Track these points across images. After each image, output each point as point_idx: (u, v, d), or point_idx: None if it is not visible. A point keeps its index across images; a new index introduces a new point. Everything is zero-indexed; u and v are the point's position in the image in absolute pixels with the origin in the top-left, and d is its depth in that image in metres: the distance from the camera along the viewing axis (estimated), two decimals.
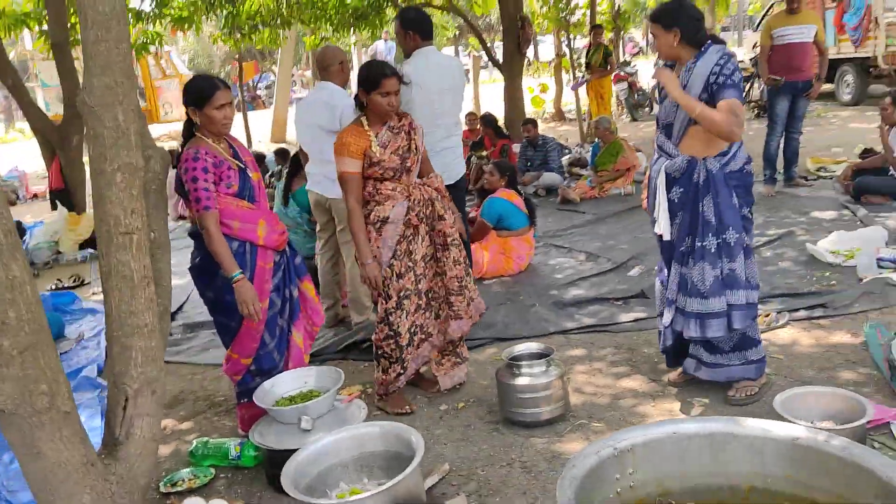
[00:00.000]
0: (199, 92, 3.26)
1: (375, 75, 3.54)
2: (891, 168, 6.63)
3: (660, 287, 3.64)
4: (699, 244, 3.31)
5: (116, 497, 2.75)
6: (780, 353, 3.90)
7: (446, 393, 3.92)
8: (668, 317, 3.51)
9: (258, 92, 31.46)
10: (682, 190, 3.35)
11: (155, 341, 2.87)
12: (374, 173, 3.60)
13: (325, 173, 4.62)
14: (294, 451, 2.93)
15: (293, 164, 5.96)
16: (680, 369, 3.70)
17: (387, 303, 3.69)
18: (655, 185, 3.42)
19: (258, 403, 3.30)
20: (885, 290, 4.47)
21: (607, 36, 14.18)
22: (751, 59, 15.27)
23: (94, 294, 6.87)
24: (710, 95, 3.20)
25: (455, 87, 4.57)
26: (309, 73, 26.58)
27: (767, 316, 4.26)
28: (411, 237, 3.69)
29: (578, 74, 14.21)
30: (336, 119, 4.51)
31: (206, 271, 3.40)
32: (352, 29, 11.31)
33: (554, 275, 5.71)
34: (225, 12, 10.13)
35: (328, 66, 4.80)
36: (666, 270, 3.57)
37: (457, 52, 36.24)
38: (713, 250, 3.29)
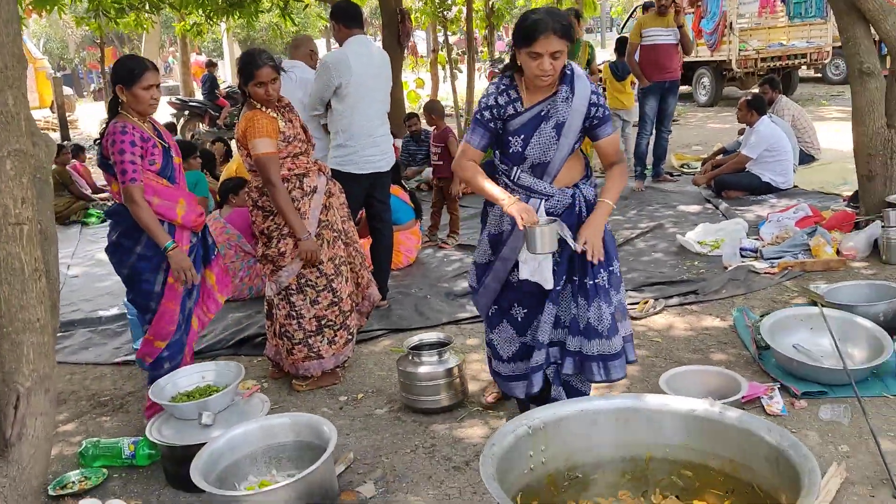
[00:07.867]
0: (129, 71, 3.30)
1: (249, 66, 3.63)
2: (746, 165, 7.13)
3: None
4: (590, 281, 2.84)
5: (8, 501, 2.62)
6: (658, 336, 4.17)
7: (343, 384, 3.95)
8: (539, 358, 2.95)
9: None
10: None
11: (47, 337, 2.75)
12: (294, 148, 3.72)
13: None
14: (194, 446, 2.89)
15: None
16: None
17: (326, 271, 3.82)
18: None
19: (154, 400, 3.22)
20: (748, 276, 4.85)
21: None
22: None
23: None
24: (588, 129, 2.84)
25: (386, 75, 4.70)
26: (178, 56, 25.33)
27: (646, 303, 4.54)
28: (328, 207, 3.86)
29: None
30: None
31: (122, 248, 3.37)
32: (226, 16, 10.94)
33: (443, 267, 5.80)
34: None
35: (299, 47, 5.30)
36: (519, 308, 3.01)
37: (328, 45, 35.74)
38: (605, 285, 2.89)
